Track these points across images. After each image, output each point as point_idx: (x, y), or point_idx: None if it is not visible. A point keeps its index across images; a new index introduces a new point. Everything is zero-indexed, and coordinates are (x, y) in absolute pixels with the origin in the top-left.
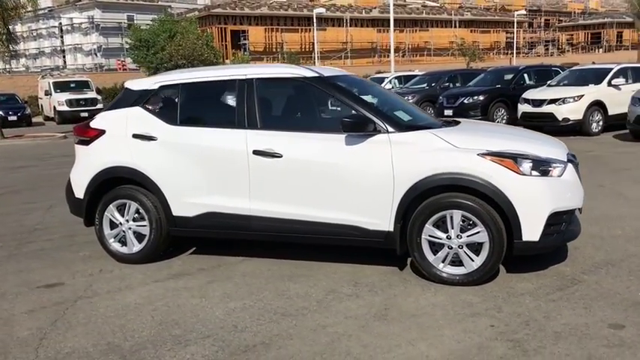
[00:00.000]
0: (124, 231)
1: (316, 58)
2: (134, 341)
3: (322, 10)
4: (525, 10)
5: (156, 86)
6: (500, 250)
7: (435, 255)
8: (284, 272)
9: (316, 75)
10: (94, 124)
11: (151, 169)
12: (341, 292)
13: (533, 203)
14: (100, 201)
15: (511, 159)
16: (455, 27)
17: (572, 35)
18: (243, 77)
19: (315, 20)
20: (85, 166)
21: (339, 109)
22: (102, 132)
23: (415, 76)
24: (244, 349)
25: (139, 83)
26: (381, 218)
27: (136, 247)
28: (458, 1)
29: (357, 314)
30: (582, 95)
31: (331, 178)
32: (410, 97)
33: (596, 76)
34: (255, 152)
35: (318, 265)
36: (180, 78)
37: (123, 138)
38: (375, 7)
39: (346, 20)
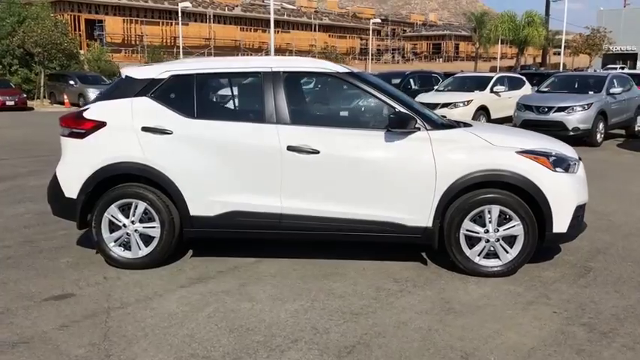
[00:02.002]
0: (128, 234)
1: (181, 53)
2: (221, 351)
3: (188, 4)
4: (375, 18)
5: (165, 75)
6: (534, 242)
7: (471, 249)
8: (312, 272)
9: (348, 70)
10: (89, 114)
11: (167, 165)
12: (388, 288)
13: (564, 197)
14: (96, 201)
15: (544, 156)
16: (314, 31)
17: (415, 45)
18: (269, 70)
19: (180, 14)
20: (80, 161)
21: (371, 105)
22: (101, 124)
23: None
24: (346, 350)
25: (142, 71)
26: (421, 214)
27: (143, 250)
28: (313, 5)
29: (424, 309)
30: (471, 100)
31: (371, 175)
32: None
33: (479, 83)
34: (290, 148)
35: (341, 263)
36: (194, 68)
37: (129, 131)
38: (237, 5)
39: (209, 16)
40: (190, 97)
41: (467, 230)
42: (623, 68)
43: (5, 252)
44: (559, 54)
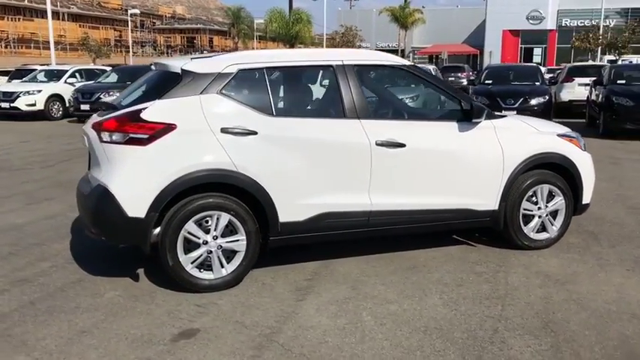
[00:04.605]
0: (209, 251)
1: None
2: (452, 355)
3: None
4: (122, 9)
5: (233, 69)
6: (571, 214)
7: (525, 226)
8: (394, 267)
9: (412, 64)
10: (150, 116)
11: (256, 169)
12: (482, 272)
13: (590, 172)
14: (164, 218)
15: (575, 139)
16: (62, 20)
17: (169, 38)
18: (340, 63)
19: None
20: (147, 172)
21: (434, 97)
22: (170, 126)
23: (98, 71)
24: (549, 328)
25: (205, 65)
26: (490, 198)
27: (227, 268)
28: None
29: (540, 284)
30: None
31: (450, 165)
32: (116, 92)
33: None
34: (378, 143)
35: (404, 255)
36: (262, 61)
37: (207, 133)
38: None
39: None
40: (265, 92)
41: (524, 209)
42: None
43: (14, 298)
44: None
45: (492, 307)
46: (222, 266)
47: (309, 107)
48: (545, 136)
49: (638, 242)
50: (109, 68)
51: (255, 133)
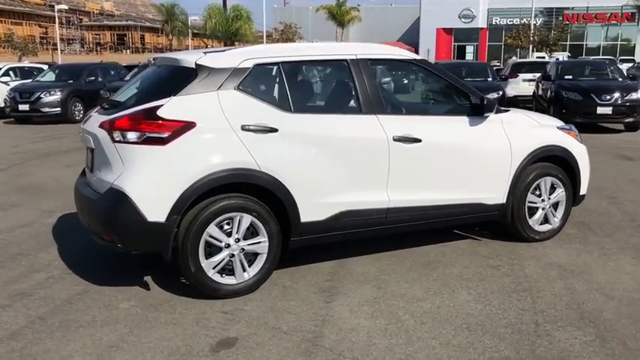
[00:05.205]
0: (232, 255)
1: None
2: (509, 349)
3: None
4: (45, 4)
5: (249, 64)
6: (571, 205)
7: (530, 218)
8: (409, 264)
9: (422, 58)
10: (168, 113)
11: (278, 168)
12: (497, 265)
13: (587, 164)
14: (182, 222)
15: (572, 131)
16: None
17: (98, 35)
18: (354, 57)
19: None
20: (167, 173)
21: (444, 91)
22: (190, 124)
23: (34, 69)
24: (591, 317)
25: (220, 60)
26: (499, 192)
27: (249, 272)
28: None
29: (557, 276)
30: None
31: (464, 159)
32: (57, 92)
33: None
34: (396, 139)
35: (414, 251)
36: (277, 55)
37: (227, 131)
38: None
39: None
40: (282, 88)
41: (529, 202)
42: None
43: (20, 313)
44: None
45: (523, 300)
46: (245, 270)
47: (325, 102)
48: (548, 129)
49: (630, 231)
50: (45, 66)
51: (275, 130)
